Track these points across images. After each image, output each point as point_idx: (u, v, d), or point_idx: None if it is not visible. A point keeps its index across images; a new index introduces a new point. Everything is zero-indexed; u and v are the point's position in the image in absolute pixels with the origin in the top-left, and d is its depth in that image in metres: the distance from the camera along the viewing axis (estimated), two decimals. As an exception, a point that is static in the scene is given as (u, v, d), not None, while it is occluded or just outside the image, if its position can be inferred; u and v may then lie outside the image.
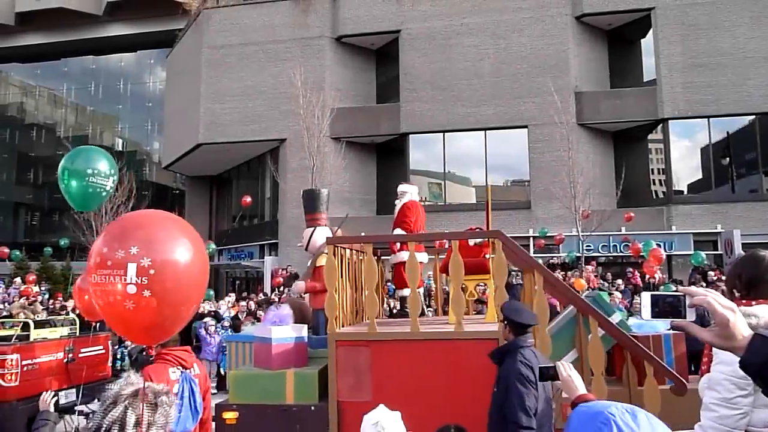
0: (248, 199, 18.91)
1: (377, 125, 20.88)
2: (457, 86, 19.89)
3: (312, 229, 6.73)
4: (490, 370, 4.11)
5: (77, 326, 9.60)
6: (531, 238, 18.83)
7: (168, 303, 2.37)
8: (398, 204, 7.05)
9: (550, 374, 2.43)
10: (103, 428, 1.73)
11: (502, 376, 3.72)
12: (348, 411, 4.71)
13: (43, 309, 15.17)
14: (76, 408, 7.68)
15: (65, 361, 8.11)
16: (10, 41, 32.04)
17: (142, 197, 23.75)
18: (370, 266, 5.14)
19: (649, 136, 20.27)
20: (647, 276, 12.48)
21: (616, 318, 5.36)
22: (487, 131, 19.92)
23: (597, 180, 18.53)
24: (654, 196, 20.08)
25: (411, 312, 5.09)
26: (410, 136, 20.49)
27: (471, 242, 6.10)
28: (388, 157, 21.77)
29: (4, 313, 15.42)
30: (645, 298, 1.53)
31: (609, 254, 18.83)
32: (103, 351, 9.05)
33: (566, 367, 2.36)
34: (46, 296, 17.20)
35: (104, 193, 7.00)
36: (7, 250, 21.23)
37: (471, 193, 20.79)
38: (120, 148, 32.97)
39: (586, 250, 17.37)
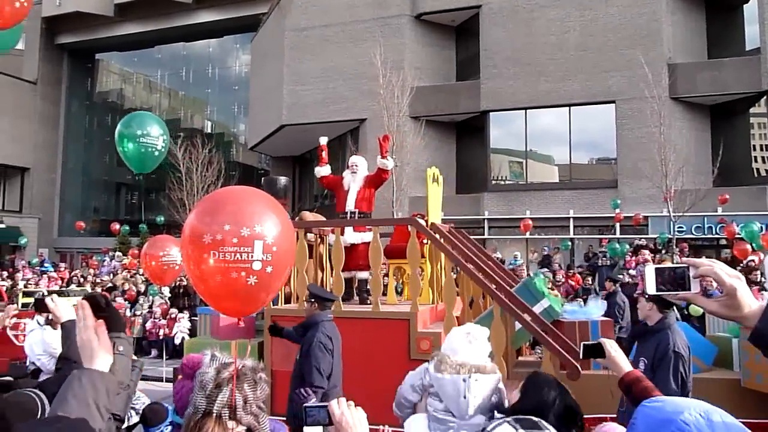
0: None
1: (457, 103, 20.85)
2: (539, 61, 19.47)
3: None
4: (400, 345, 5.05)
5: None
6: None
7: (280, 278, 2.58)
8: (353, 176, 6.96)
9: (594, 351, 2.26)
10: (214, 414, 1.68)
11: (304, 344, 4.34)
12: (279, 379, 5.30)
13: (143, 281, 16.66)
14: None
15: None
16: (110, 31, 34.50)
17: (230, 177, 25.17)
18: (302, 249, 6.02)
19: (751, 110, 18.99)
20: (741, 259, 11.89)
21: (544, 304, 5.53)
22: (571, 107, 19.42)
23: (691, 157, 17.67)
24: (755, 175, 18.88)
25: (373, 293, 5.80)
26: (490, 113, 20.33)
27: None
28: (468, 136, 21.71)
29: (109, 285, 17.09)
30: (649, 272, 1.50)
31: (703, 236, 17.97)
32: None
33: (611, 345, 2.24)
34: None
35: (156, 153, 7.43)
36: (118, 226, 23.33)
37: (553, 171, 20.41)
38: (209, 131, 34.82)
39: (678, 231, 16.68)
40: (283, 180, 7.50)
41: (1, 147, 31.59)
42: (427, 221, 6.85)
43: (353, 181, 6.94)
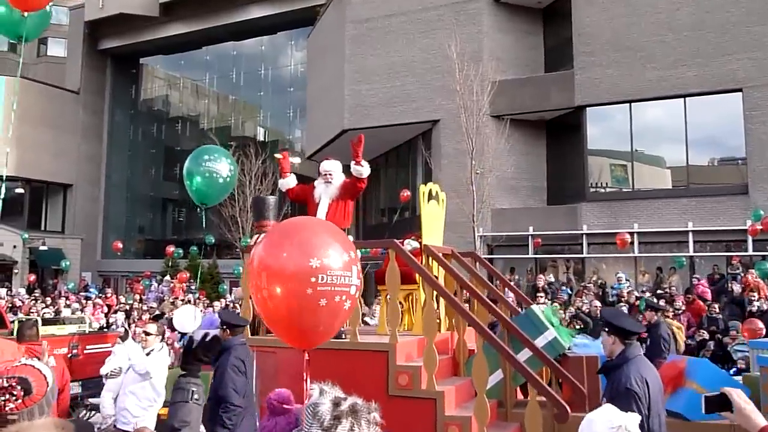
0: (407, 193, 19.60)
1: (546, 98, 20.49)
2: (646, 45, 18.85)
3: (258, 235, 7.83)
4: (377, 380, 5.31)
5: (86, 324, 11.85)
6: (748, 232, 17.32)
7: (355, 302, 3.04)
8: (327, 186, 6.85)
9: (718, 403, 2.21)
10: None
11: (218, 368, 5.18)
12: (262, 412, 5.59)
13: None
14: (86, 401, 9.23)
15: (69, 356, 9.54)
16: (155, 33, 36.29)
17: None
18: None
19: None
20: None
21: (548, 336, 5.64)
22: (686, 98, 18.66)
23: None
24: None
25: (350, 322, 6.02)
26: (587, 109, 19.84)
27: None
28: (561, 136, 21.26)
29: (156, 313, 17.71)
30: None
31: None
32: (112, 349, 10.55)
33: (739, 396, 2.22)
34: (196, 295, 19.36)
35: (221, 180, 7.58)
36: (172, 248, 24.28)
37: (665, 176, 19.63)
38: (262, 138, 35.81)
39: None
40: (271, 200, 7.80)
41: (43, 163, 33.70)
42: (421, 243, 6.87)
43: (325, 192, 6.84)
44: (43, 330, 10.24)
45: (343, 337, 6.44)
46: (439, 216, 7.66)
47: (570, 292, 16.74)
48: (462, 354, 6.61)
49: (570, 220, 19.69)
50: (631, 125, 19.52)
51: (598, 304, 12.52)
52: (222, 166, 7.63)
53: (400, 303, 7.90)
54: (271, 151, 25.75)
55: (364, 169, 6.77)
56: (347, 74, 23.23)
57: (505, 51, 21.29)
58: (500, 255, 20.77)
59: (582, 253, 19.37)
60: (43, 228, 35.23)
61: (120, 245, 27.07)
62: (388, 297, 6.60)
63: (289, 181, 7.14)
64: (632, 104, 19.34)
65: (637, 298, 13.83)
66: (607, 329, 4.06)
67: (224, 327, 5.60)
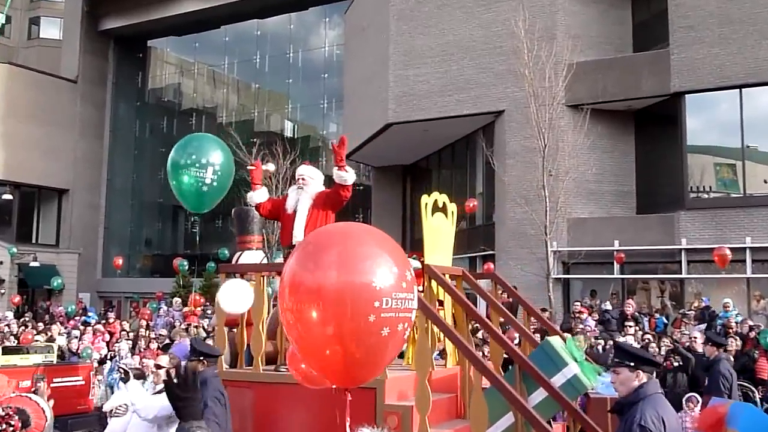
0: (473, 203, 19.66)
1: (636, 84, 20.35)
2: (759, 17, 18.59)
3: (239, 253, 8.03)
4: (364, 421, 5.04)
5: (54, 354, 12.10)
6: None
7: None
8: (299, 193, 6.99)
9: None
10: None
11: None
12: None
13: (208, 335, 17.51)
14: None
15: (32, 390, 9.80)
16: (165, 10, 37.12)
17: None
18: (259, 297, 6.63)
19: None
20: None
21: (568, 373, 5.67)
22: (811, 82, 18.34)
23: None
24: None
25: None
26: (686, 96, 19.64)
27: None
28: (653, 129, 21.08)
29: (166, 341, 18.11)
30: None
31: None
32: (83, 383, 10.68)
33: None
34: (211, 320, 19.72)
35: (204, 187, 7.64)
36: (177, 261, 24.67)
37: (786, 177, 19.27)
38: (290, 134, 36.27)
39: None
40: (256, 213, 7.92)
41: (34, 164, 34.73)
42: (422, 263, 6.96)
43: (300, 202, 6.93)
44: (4, 360, 10.58)
45: None
46: (447, 231, 7.72)
47: (665, 320, 16.55)
48: (468, 393, 6.66)
49: (665, 232, 19.47)
50: (741, 115, 19.23)
51: (699, 336, 12.33)
52: (215, 157, 7.72)
53: None
54: (301, 149, 26.21)
55: (348, 175, 6.84)
56: (392, 57, 23.45)
57: (585, 27, 21.23)
58: (578, 274, 20.63)
59: (680, 273, 19.11)
60: (34, 240, 36.24)
61: (121, 262, 27.74)
62: None
63: (258, 195, 7.23)
64: (742, 90, 19.06)
65: (751, 329, 13.62)
66: (627, 362, 4.22)
67: (200, 358, 5.93)
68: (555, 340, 6.19)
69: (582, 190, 20.02)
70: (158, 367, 6.62)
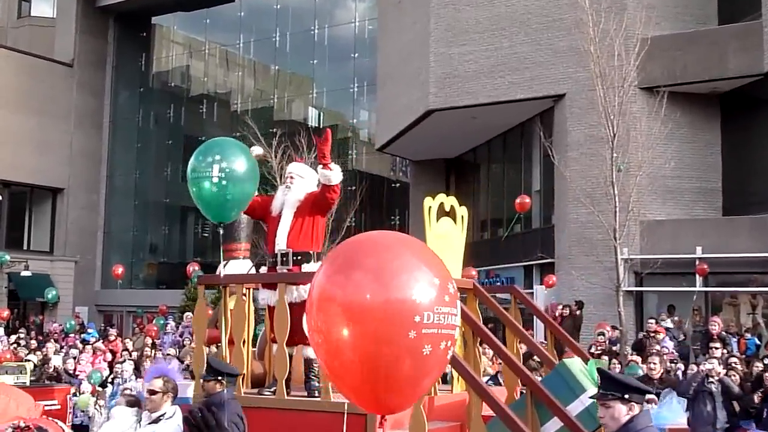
0: (526, 200, 19.47)
1: (721, 61, 20.06)
2: None
3: (225, 262, 8.25)
4: None
5: (27, 375, 12.39)
6: None
7: None
8: (285, 193, 7.15)
9: None
10: None
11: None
12: None
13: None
14: None
15: None
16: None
17: (349, 195, 25.91)
18: (240, 312, 6.97)
19: None
20: None
21: (585, 400, 5.74)
22: None
23: None
24: None
25: (323, 376, 6.52)
26: (784, 76, 19.26)
27: None
28: (743, 116, 20.80)
29: (173, 362, 18.23)
30: None
31: None
32: (59, 407, 10.84)
33: None
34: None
35: (213, 187, 7.65)
36: (194, 268, 24.66)
37: None
38: (315, 123, 36.27)
39: None
40: (244, 218, 8.21)
41: (25, 160, 35.16)
42: None
43: (286, 204, 7.08)
44: None
45: (315, 394, 6.78)
46: (456, 239, 7.82)
47: (758, 341, 16.26)
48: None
49: (757, 236, 19.17)
50: None
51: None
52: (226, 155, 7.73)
53: None
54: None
55: (333, 174, 6.95)
56: (434, 33, 23.36)
57: (660, -5, 20.93)
58: (653, 287, 20.41)
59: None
60: (25, 247, 36.76)
61: (122, 271, 27.93)
62: None
63: None
64: None
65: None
66: (618, 393, 4.27)
67: (216, 377, 6.10)
68: (573, 363, 6.29)
69: (658, 187, 19.72)
70: (151, 392, 6.53)
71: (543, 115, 22.54)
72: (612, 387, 4.30)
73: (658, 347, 14.30)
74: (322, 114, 37.52)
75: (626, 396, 4.23)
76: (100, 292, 38.50)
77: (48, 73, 37.16)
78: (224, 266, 8.33)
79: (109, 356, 18.47)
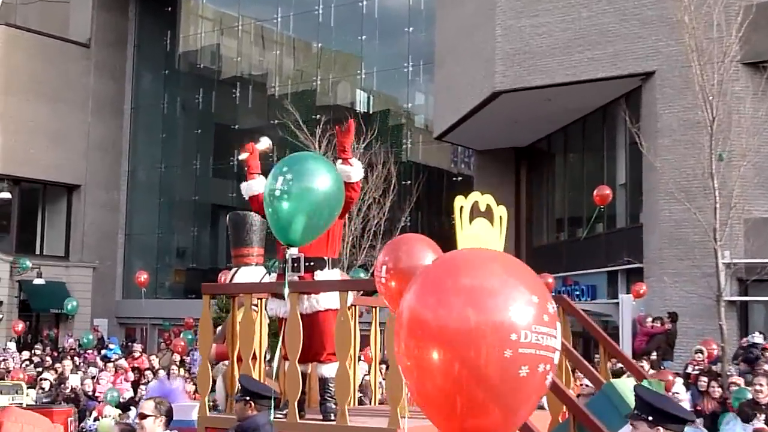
0: (606, 191, 19.38)
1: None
2: None
3: (235, 269, 8.51)
4: None
5: (24, 394, 12.77)
6: None
7: None
8: None
9: None
10: None
11: None
12: None
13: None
14: None
15: None
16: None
17: (405, 190, 25.96)
18: (249, 324, 7.17)
19: None
20: None
21: None
22: None
23: None
24: None
25: (339, 398, 6.73)
26: None
27: None
28: None
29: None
30: None
31: None
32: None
33: None
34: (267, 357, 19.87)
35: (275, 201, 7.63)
36: (224, 276, 24.99)
37: None
38: (364, 108, 36.31)
39: None
40: (256, 218, 8.33)
41: (37, 153, 35.72)
42: None
43: None
44: None
45: (331, 417, 6.90)
46: (492, 244, 7.67)
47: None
48: None
49: None
50: None
51: None
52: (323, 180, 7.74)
53: None
54: (379, 129, 26.16)
55: (353, 170, 7.11)
56: (501, 2, 23.32)
57: (767, -46, 20.64)
58: (760, 296, 20.18)
59: None
60: (37, 251, 37.29)
61: (146, 278, 28.18)
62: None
63: (255, 185, 7.49)
64: None
65: None
66: (646, 415, 4.31)
67: (246, 398, 6.26)
68: (623, 383, 6.32)
69: (765, 179, 19.50)
70: (142, 416, 6.64)
71: (629, 97, 22.42)
72: (644, 409, 4.38)
73: (766, 367, 14.13)
74: (371, 97, 37.50)
75: (651, 418, 4.28)
76: (121, 302, 38.96)
77: (62, 54, 37.63)
78: (234, 274, 8.54)
79: (131, 375, 18.72)
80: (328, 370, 7.10)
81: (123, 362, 19.75)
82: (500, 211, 7.74)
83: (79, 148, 37.70)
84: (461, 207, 7.11)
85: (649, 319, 18.82)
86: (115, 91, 39.86)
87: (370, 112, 35.61)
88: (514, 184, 29.53)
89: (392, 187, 21.94)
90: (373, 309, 8.19)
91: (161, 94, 41.63)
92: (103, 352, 23.42)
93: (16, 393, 13.69)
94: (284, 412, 6.99)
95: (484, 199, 7.50)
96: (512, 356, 2.93)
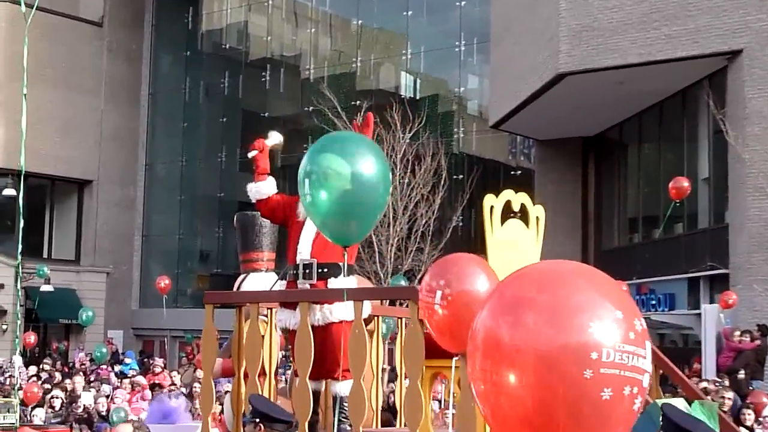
0: (683, 183, 19.27)
1: None
2: None
3: (243, 275, 8.70)
4: None
5: (17, 413, 12.90)
6: None
7: None
8: None
9: None
10: None
11: None
12: None
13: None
14: None
15: None
16: None
17: (457, 185, 25.92)
18: (255, 337, 7.25)
19: None
20: None
21: None
22: None
23: None
24: None
25: (353, 419, 6.82)
26: None
27: None
28: None
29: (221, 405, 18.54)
30: None
31: None
32: None
33: None
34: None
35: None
36: None
37: None
38: (410, 93, 36.30)
39: None
40: (266, 221, 8.40)
41: (44, 145, 35.74)
42: None
43: None
44: None
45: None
46: (528, 247, 7.70)
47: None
48: None
49: None
50: None
51: None
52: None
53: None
54: (427, 115, 26.15)
55: None
56: (566, -26, 23.25)
57: None
58: None
59: None
60: (45, 255, 37.71)
61: (165, 284, 28.34)
62: (406, 378, 7.15)
63: (266, 187, 7.58)
64: None
65: None
66: None
67: (257, 421, 6.33)
68: (671, 404, 6.21)
69: None
70: None
71: (712, 79, 22.30)
72: (669, 428, 4.53)
73: None
74: (418, 81, 37.53)
75: None
76: (138, 311, 39.34)
77: (72, 34, 38.01)
78: (243, 280, 8.65)
79: (149, 393, 18.84)
80: (343, 387, 7.11)
81: (141, 379, 19.90)
82: (537, 212, 7.72)
83: (91, 140, 38.14)
84: (491, 207, 7.09)
85: (737, 333, 18.63)
86: (130, 75, 40.22)
87: (417, 97, 35.62)
88: (580, 179, 29.42)
89: (442, 183, 21.94)
90: (376, 318, 8.21)
91: (182, 78, 41.95)
92: (117, 367, 23.61)
93: (8, 412, 13.85)
94: None
95: (518, 198, 7.47)
96: (593, 377, 2.94)
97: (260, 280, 8.52)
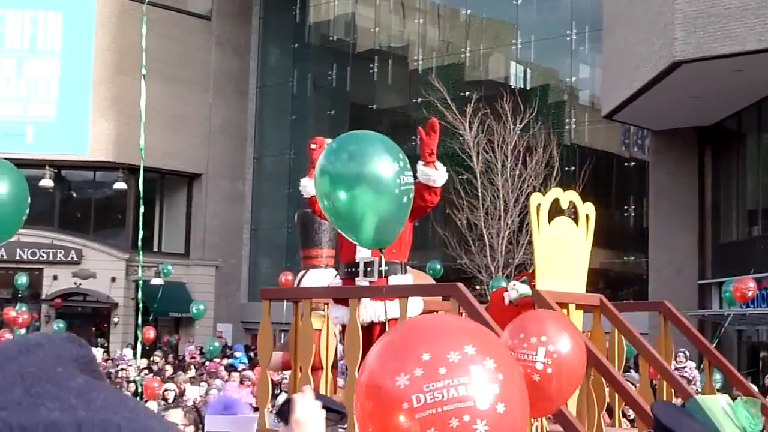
0: None
1: None
2: None
3: (303, 271, 8.88)
4: None
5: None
6: None
7: None
8: None
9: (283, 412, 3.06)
10: None
11: None
12: None
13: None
14: None
15: None
16: None
17: (567, 177, 25.78)
18: (307, 335, 7.26)
19: None
20: None
21: None
22: None
23: None
24: None
25: None
26: None
27: (506, 299, 7.67)
28: None
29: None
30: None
31: None
32: None
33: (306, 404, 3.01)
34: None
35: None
36: None
37: None
38: (520, 84, 36.20)
39: None
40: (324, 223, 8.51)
41: (153, 139, 35.90)
42: (534, 287, 7.34)
43: None
44: None
45: None
46: (577, 245, 7.81)
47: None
48: None
49: None
50: None
51: None
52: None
53: None
54: (538, 106, 26.08)
55: (438, 174, 7.16)
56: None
57: None
58: None
59: None
60: (155, 248, 38.50)
61: (288, 279, 28.80)
62: None
63: (311, 184, 7.58)
64: None
65: None
66: None
67: (326, 417, 6.52)
68: (712, 400, 6.14)
69: None
70: None
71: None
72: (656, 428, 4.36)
73: None
74: (528, 71, 37.45)
75: None
76: (247, 305, 39.75)
77: (180, 29, 38.77)
78: (303, 276, 8.97)
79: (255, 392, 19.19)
80: None
81: (249, 373, 20.19)
82: (587, 209, 7.75)
83: (200, 133, 38.82)
84: (538, 205, 7.16)
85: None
86: (239, 68, 40.81)
87: (528, 87, 35.53)
88: (696, 170, 29.05)
89: (554, 174, 21.91)
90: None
91: (290, 71, 42.41)
92: (227, 360, 24.00)
93: None
94: (345, 426, 7.09)
95: (567, 196, 7.51)
96: (411, 425, 3.00)
97: (320, 276, 8.81)
